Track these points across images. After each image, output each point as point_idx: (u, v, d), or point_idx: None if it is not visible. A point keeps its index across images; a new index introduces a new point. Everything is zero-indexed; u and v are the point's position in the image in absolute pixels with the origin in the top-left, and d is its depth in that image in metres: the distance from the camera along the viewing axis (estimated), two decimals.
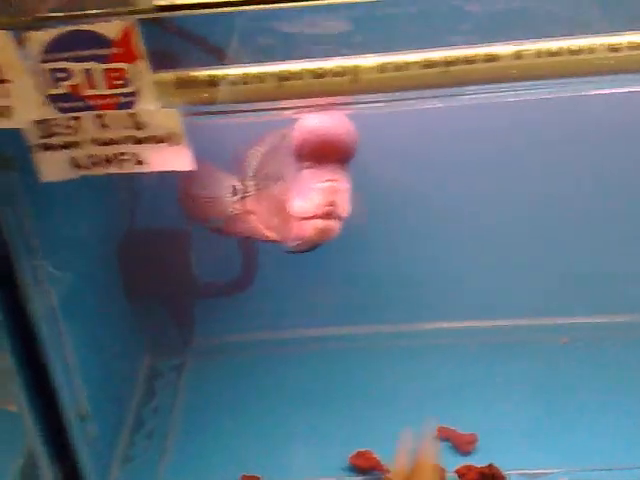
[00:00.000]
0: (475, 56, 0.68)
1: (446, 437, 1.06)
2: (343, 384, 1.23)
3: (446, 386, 1.18)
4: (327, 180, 0.81)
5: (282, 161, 0.88)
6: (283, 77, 0.70)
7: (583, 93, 0.71)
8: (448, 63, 0.67)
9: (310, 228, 0.83)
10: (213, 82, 0.71)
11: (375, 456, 1.05)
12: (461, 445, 1.04)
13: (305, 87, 0.71)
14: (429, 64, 0.68)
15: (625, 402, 1.11)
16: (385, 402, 1.17)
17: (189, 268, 1.29)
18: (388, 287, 1.30)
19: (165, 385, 1.30)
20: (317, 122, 0.81)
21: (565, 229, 1.23)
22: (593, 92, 0.72)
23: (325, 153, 0.81)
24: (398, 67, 0.69)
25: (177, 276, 1.30)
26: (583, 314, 1.29)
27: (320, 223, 0.82)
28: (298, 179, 0.84)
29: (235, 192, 0.95)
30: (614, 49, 0.67)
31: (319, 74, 0.70)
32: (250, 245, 1.30)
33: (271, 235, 0.93)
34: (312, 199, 0.82)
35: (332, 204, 0.81)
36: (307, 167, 0.83)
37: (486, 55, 0.68)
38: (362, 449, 1.06)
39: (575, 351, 1.25)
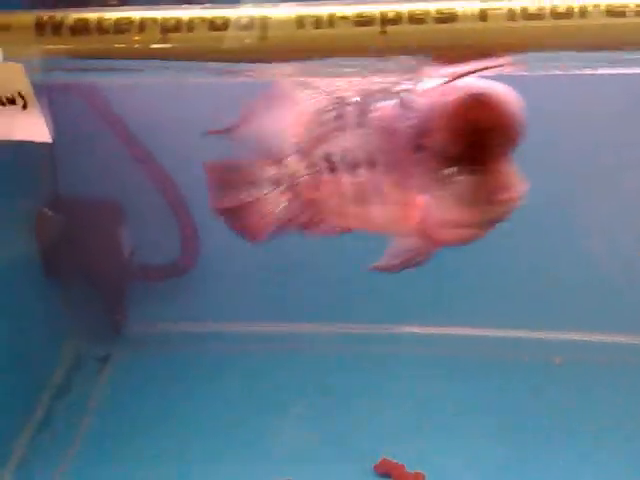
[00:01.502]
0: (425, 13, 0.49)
1: (387, 473, 0.90)
2: (281, 389, 1.07)
3: (405, 408, 1.03)
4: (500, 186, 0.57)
5: (375, 139, 0.61)
6: (169, 27, 0.52)
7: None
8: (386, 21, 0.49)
9: (456, 235, 0.61)
10: (79, 28, 0.53)
11: None
12: None
13: (197, 41, 0.52)
14: (363, 20, 0.50)
15: (605, 455, 0.94)
16: (325, 419, 1.01)
17: (119, 246, 1.14)
18: (349, 282, 1.13)
19: (85, 378, 1.14)
20: (488, 91, 0.55)
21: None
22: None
23: (497, 139, 0.56)
24: (320, 22, 0.50)
25: (105, 255, 1.15)
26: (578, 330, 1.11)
27: (474, 232, 0.60)
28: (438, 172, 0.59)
29: (278, 181, 0.67)
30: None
31: (218, 25, 0.52)
32: (191, 224, 1.14)
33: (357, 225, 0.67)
34: (473, 204, 0.58)
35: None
36: (458, 158, 0.58)
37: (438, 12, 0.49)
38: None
39: (563, 375, 1.07)
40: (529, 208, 0.56)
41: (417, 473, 0.90)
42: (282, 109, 0.65)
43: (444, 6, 0.49)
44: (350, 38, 0.51)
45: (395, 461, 0.92)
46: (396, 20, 0.49)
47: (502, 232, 0.59)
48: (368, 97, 0.61)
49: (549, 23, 0.49)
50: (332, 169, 0.63)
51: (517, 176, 0.57)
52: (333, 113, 0.62)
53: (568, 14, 0.49)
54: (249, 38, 0.52)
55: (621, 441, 0.96)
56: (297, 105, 0.64)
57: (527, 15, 0.49)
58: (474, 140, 0.55)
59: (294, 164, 0.66)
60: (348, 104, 0.61)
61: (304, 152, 0.65)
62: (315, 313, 1.15)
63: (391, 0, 0.50)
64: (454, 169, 0.56)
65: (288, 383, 1.08)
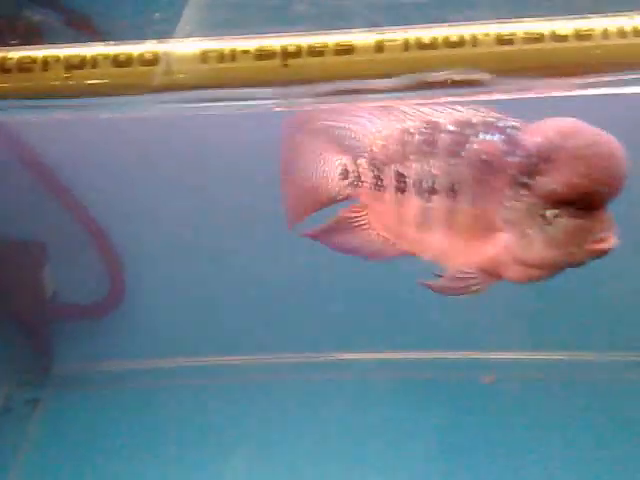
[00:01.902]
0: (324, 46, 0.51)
1: None
2: (214, 422, 1.06)
3: (341, 438, 1.02)
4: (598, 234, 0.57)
5: (469, 170, 0.60)
6: (72, 64, 0.53)
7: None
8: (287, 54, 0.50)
9: (525, 274, 0.60)
10: None
11: None
12: None
13: (103, 76, 0.53)
14: (264, 54, 0.51)
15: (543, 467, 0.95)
16: (260, 449, 1.01)
17: (42, 287, 1.11)
18: (278, 313, 1.13)
19: (13, 423, 1.11)
20: (606, 145, 0.56)
21: None
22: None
23: (609, 191, 0.57)
24: (222, 57, 0.51)
25: (27, 295, 1.12)
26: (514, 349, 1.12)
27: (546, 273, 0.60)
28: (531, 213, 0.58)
29: (346, 174, 0.67)
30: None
31: (121, 61, 0.53)
32: (116, 263, 1.12)
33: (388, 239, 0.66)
34: (564, 247, 0.58)
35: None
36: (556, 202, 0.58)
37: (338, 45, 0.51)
38: None
39: (498, 395, 1.07)
40: None
41: None
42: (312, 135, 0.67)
43: (342, 39, 0.51)
44: (252, 71, 0.52)
45: None
46: (296, 53, 0.50)
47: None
48: (467, 128, 0.60)
49: (443, 52, 0.51)
50: (401, 189, 0.63)
51: (613, 225, 0.57)
52: (421, 137, 0.62)
53: (460, 43, 0.51)
54: (154, 73, 0.53)
55: (558, 454, 0.97)
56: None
57: (421, 45, 0.51)
58: (588, 189, 0.56)
59: (364, 168, 0.66)
60: (442, 131, 0.60)
61: (375, 163, 0.65)
62: (242, 345, 1.15)
63: (291, 34, 0.51)
64: (556, 211, 0.57)
65: (221, 416, 1.07)
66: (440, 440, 1.00)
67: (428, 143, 0.61)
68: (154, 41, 0.54)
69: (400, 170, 0.63)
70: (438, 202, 0.61)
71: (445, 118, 0.60)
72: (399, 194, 0.63)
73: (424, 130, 0.61)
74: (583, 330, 1.06)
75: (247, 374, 1.15)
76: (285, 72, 0.51)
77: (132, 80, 0.53)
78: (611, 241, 0.57)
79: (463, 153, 0.59)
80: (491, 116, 0.59)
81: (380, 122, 0.64)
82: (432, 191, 0.61)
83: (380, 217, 0.66)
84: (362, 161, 0.65)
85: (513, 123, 0.59)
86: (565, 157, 0.56)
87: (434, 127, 0.61)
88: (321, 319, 1.10)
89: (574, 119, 0.57)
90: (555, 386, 1.07)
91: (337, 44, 0.50)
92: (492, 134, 0.59)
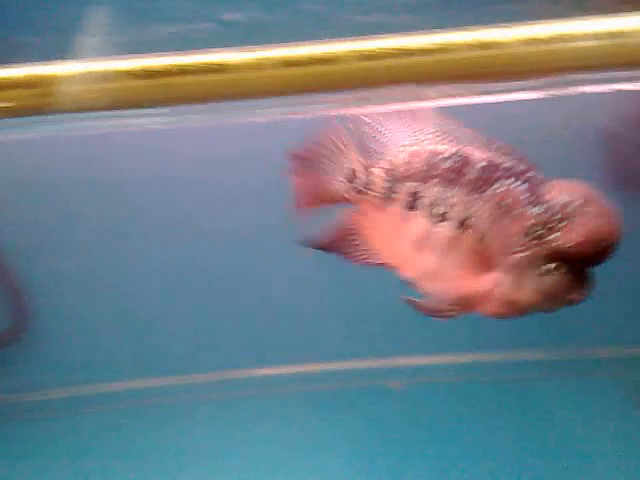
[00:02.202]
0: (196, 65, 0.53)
1: None
2: (130, 448, 1.05)
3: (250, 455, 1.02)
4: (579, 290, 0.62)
5: (487, 208, 0.62)
6: None
7: None
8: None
9: (505, 308, 0.63)
10: None
11: None
12: None
13: None
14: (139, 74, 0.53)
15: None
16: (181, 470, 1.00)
17: None
18: (190, 333, 1.14)
19: None
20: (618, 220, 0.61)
21: None
22: None
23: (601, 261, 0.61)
24: (100, 77, 0.53)
25: None
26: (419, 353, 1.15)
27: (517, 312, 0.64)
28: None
29: (353, 178, 0.67)
30: None
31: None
32: (19, 293, 1.11)
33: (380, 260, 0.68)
34: (547, 296, 0.62)
35: None
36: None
37: (211, 64, 0.53)
38: None
39: (406, 399, 1.10)
40: None
41: None
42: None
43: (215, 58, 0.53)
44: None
45: None
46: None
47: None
48: (497, 170, 0.62)
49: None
50: (411, 207, 0.64)
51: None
52: (450, 164, 0.63)
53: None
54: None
55: (472, 457, 0.99)
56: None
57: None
58: (595, 255, 0.60)
59: (376, 177, 0.65)
60: (472, 165, 0.62)
61: (392, 175, 0.65)
62: (155, 367, 1.14)
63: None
64: (553, 265, 0.61)
65: (141, 439, 1.06)
66: (354, 447, 1.02)
67: (455, 172, 0.63)
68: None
69: (418, 189, 0.64)
70: (445, 229, 0.63)
71: (478, 153, 0.63)
72: (407, 210, 0.64)
73: (455, 159, 0.63)
74: (487, 331, 1.10)
75: (162, 396, 1.15)
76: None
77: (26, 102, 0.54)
78: (585, 295, 0.62)
79: (488, 192, 0.62)
80: (522, 163, 0.62)
81: (411, 136, 0.65)
82: (443, 217, 0.63)
83: (376, 227, 0.67)
84: (377, 170, 0.65)
85: (540, 176, 0.62)
86: (584, 222, 0.60)
87: (465, 159, 0.63)
88: (231, 336, 1.11)
89: (587, 184, 0.61)
90: (461, 387, 1.11)
91: (209, 63, 0.53)
92: (520, 181, 0.62)
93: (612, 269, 0.58)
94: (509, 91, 0.63)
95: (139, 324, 1.13)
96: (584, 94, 0.65)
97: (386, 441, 1.03)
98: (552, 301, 0.62)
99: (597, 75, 0.63)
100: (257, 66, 0.53)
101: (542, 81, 0.62)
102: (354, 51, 0.55)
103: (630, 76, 0.63)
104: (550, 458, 0.95)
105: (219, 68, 0.52)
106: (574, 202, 0.60)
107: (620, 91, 0.64)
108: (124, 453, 1.04)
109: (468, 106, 0.62)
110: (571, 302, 0.62)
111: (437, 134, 0.64)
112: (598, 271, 0.60)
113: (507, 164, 0.62)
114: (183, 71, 0.52)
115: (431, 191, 0.63)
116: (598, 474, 0.93)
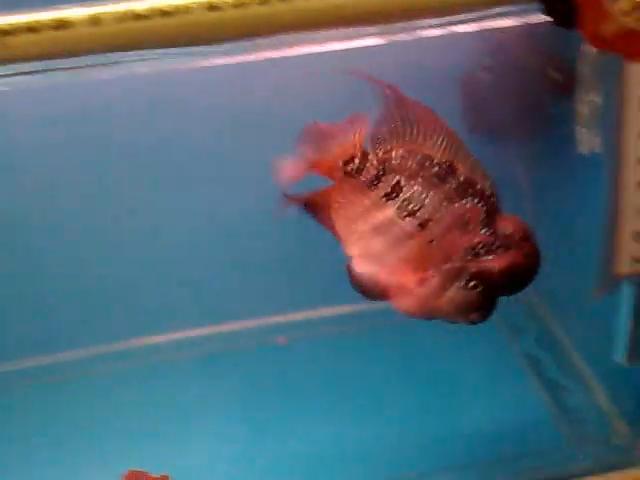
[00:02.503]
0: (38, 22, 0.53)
1: None
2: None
3: (140, 415, 1.03)
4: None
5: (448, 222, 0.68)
6: None
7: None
8: None
9: (419, 308, 0.68)
10: None
11: None
12: None
13: None
14: None
15: (352, 416, 1.01)
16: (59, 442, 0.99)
17: None
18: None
19: None
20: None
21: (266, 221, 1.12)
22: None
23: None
24: None
25: None
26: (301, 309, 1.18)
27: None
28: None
29: (349, 162, 0.69)
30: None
31: None
32: None
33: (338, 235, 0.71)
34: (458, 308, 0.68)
35: None
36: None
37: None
38: None
39: (295, 353, 1.13)
40: None
41: (163, 476, 0.91)
42: None
43: (57, 15, 0.53)
44: None
45: (140, 470, 0.93)
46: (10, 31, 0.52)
47: None
48: (470, 186, 0.68)
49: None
50: (388, 197, 0.68)
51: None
52: (436, 170, 0.67)
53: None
54: None
55: (357, 402, 1.03)
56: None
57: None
58: (506, 285, 0.67)
59: (370, 165, 0.69)
60: (454, 175, 0.67)
61: (385, 165, 0.68)
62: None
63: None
64: (473, 283, 0.66)
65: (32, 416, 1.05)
66: (243, 407, 1.04)
67: (439, 178, 0.67)
68: None
69: (402, 183, 0.67)
70: (407, 224, 0.67)
71: (462, 168, 0.68)
72: (383, 199, 0.68)
73: (444, 167, 0.67)
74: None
75: (56, 373, 1.14)
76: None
77: None
78: (484, 319, 0.68)
79: (456, 204, 0.67)
80: (491, 188, 0.68)
81: (416, 134, 0.69)
82: (410, 214, 0.66)
83: (346, 202, 0.70)
84: (373, 158, 0.68)
85: (498, 205, 0.68)
86: (514, 255, 0.66)
87: (452, 170, 0.67)
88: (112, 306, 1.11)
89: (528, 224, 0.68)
90: (342, 337, 1.14)
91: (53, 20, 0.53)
92: (483, 203, 0.67)
93: None
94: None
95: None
96: (428, 38, 0.69)
97: (277, 395, 1.06)
98: (459, 314, 0.67)
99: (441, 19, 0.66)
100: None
101: (384, 27, 0.65)
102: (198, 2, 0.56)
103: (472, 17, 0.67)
104: (428, 390, 1.03)
105: (62, 25, 0.53)
106: (514, 235, 0.66)
107: (467, 33, 0.68)
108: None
109: (313, 55, 0.65)
110: (471, 322, 0.68)
111: (439, 141, 0.67)
112: None
113: (479, 185, 0.67)
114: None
115: (412, 188, 0.67)
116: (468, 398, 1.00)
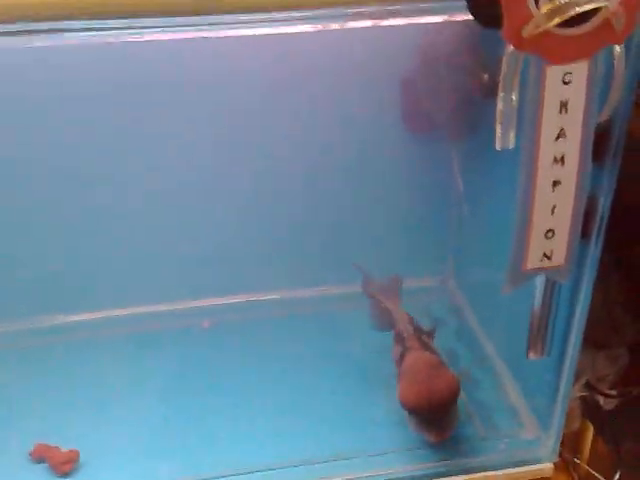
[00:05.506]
0: None
1: (42, 457, 0.90)
2: None
3: (56, 390, 1.03)
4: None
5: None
6: None
7: None
8: None
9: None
10: None
11: None
12: (57, 466, 0.89)
13: None
14: None
15: (270, 395, 1.03)
16: None
17: None
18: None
19: None
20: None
21: (195, 208, 1.12)
22: None
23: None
24: None
25: None
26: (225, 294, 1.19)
27: None
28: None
29: None
30: None
31: None
32: None
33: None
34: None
35: None
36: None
37: None
38: None
39: (219, 335, 1.15)
40: None
41: (70, 451, 0.91)
42: None
43: None
44: None
45: (50, 444, 0.92)
46: None
47: None
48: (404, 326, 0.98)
49: None
50: None
51: None
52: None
53: None
54: None
55: (285, 384, 1.05)
56: None
57: None
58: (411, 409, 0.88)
59: None
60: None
61: None
62: None
63: None
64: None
65: None
66: (170, 387, 1.04)
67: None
68: None
69: None
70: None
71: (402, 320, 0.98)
72: None
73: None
74: (293, 270, 1.15)
75: None
76: None
77: None
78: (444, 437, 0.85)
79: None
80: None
81: None
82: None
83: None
84: None
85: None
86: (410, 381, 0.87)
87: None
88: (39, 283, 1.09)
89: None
90: (271, 322, 1.16)
91: None
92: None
93: None
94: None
95: None
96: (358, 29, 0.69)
97: (200, 378, 1.06)
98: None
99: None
100: None
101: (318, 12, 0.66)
102: None
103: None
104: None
105: None
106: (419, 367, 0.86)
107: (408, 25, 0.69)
108: None
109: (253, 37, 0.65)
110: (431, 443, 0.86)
111: None
112: None
113: (402, 326, 0.96)
114: None
115: None
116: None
